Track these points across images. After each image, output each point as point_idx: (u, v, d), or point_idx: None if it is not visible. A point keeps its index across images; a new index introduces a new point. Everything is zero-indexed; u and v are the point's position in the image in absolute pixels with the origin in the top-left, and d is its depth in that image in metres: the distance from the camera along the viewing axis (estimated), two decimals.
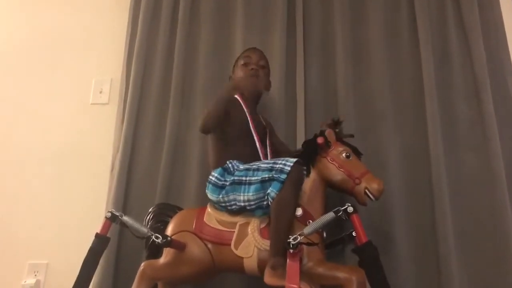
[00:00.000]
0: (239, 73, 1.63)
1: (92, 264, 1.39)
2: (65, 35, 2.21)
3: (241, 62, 1.64)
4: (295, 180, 1.29)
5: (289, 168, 1.29)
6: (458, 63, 1.81)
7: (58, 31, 2.23)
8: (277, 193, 1.28)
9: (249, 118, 1.53)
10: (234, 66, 1.70)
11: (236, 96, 1.58)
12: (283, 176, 1.28)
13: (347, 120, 1.74)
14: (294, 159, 1.32)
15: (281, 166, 1.30)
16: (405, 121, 1.78)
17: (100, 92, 2.08)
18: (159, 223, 1.49)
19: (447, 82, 1.80)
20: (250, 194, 1.33)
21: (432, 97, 1.74)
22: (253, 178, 1.35)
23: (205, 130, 1.46)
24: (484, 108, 1.71)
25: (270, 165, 1.34)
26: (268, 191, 1.29)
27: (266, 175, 1.32)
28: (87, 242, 1.41)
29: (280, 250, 1.23)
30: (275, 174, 1.30)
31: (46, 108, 2.10)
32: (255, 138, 1.51)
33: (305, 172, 1.37)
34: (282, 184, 1.28)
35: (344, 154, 1.41)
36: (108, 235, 1.43)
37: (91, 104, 2.08)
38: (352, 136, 1.50)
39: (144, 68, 1.98)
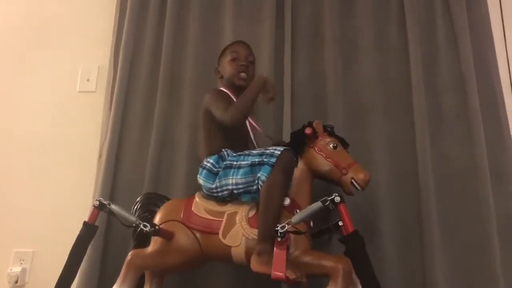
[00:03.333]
0: (227, 68, 1.59)
1: (80, 253, 1.39)
2: (52, 21, 2.18)
3: (229, 57, 1.60)
4: (284, 165, 1.30)
5: (279, 153, 1.30)
6: (445, 57, 1.83)
7: (44, 17, 2.19)
8: (267, 176, 1.28)
9: None
10: (220, 58, 1.66)
11: (225, 90, 1.57)
12: (273, 160, 1.29)
13: (334, 111, 1.76)
14: (284, 147, 1.34)
15: (271, 151, 1.32)
16: (392, 113, 1.80)
17: (88, 80, 2.06)
18: (147, 213, 1.49)
19: (434, 75, 1.82)
20: (239, 177, 1.34)
21: (419, 90, 1.76)
22: (243, 162, 1.36)
23: (234, 123, 1.43)
24: (470, 102, 1.74)
25: (261, 151, 1.36)
26: (259, 174, 1.30)
27: (256, 159, 1.33)
28: (74, 230, 1.40)
29: (267, 236, 1.24)
30: (265, 158, 1.31)
31: (32, 95, 2.07)
32: (250, 129, 1.52)
33: (295, 159, 1.38)
34: (272, 168, 1.28)
35: (331, 145, 1.42)
36: (96, 224, 1.43)
37: (78, 92, 2.06)
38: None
39: (132, 55, 1.96)
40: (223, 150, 1.44)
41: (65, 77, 2.08)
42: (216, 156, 1.44)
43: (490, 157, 1.68)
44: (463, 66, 1.78)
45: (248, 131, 1.53)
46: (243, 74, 1.56)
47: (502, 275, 1.56)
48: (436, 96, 1.80)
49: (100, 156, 1.85)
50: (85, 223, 1.41)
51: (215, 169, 1.41)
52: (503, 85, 1.82)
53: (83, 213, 1.54)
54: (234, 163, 1.38)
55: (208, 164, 1.42)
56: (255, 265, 1.22)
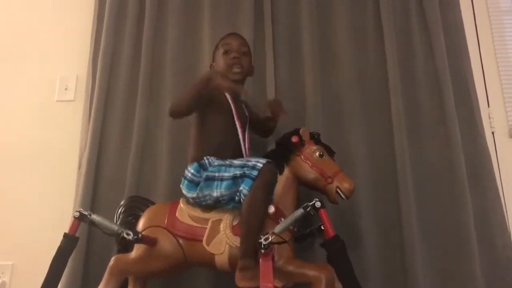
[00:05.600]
0: (220, 61, 1.55)
1: (60, 265, 1.36)
2: (29, 30, 2.15)
3: (221, 50, 1.56)
4: (266, 180, 1.29)
5: (261, 165, 1.29)
6: (421, 61, 1.87)
7: (22, 26, 2.16)
8: (249, 190, 1.28)
9: (233, 109, 1.49)
10: (214, 53, 1.64)
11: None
12: (255, 173, 1.28)
13: (314, 116, 1.78)
14: (267, 159, 1.33)
15: (253, 163, 1.31)
16: (371, 117, 1.82)
17: (66, 89, 2.04)
18: (131, 217, 1.47)
19: (410, 78, 1.85)
20: (223, 190, 1.33)
21: (397, 94, 1.79)
22: (226, 174, 1.34)
23: (173, 114, 1.41)
24: (446, 104, 1.77)
25: (243, 162, 1.34)
26: (240, 188, 1.30)
27: (238, 172, 1.32)
28: (55, 242, 1.38)
29: (250, 252, 1.24)
30: (247, 170, 1.30)
31: (10, 105, 2.04)
32: (239, 130, 1.48)
33: (278, 173, 1.37)
34: (253, 181, 1.28)
35: (317, 153, 1.43)
36: (76, 235, 1.41)
37: (57, 101, 2.04)
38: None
39: (111, 63, 1.95)
40: (204, 158, 1.41)
41: (43, 86, 2.06)
42: (196, 165, 1.41)
43: (466, 158, 1.72)
44: (439, 70, 1.82)
45: (239, 140, 1.48)
46: (236, 69, 1.53)
47: (480, 271, 1.59)
48: (413, 98, 1.83)
49: (79, 166, 1.84)
50: (65, 235, 1.38)
51: (196, 179, 1.39)
52: (477, 86, 1.86)
53: (64, 225, 1.52)
54: (216, 174, 1.36)
55: (189, 174, 1.40)
56: (240, 281, 1.23)
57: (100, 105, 1.87)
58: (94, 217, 1.37)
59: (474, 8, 2.04)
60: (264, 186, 1.29)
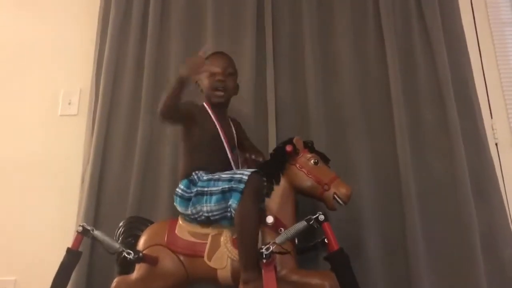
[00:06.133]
0: (205, 82, 1.56)
1: (63, 280, 1.36)
2: (32, 44, 2.17)
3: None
4: (253, 190, 1.30)
5: (246, 177, 1.29)
6: (423, 71, 1.87)
7: (25, 41, 2.18)
8: (238, 204, 1.28)
9: (218, 127, 1.51)
10: None
11: (204, 104, 1.57)
12: (242, 186, 1.29)
13: (317, 127, 1.79)
14: (252, 170, 1.34)
15: (239, 176, 1.31)
16: (374, 127, 1.82)
17: (69, 103, 2.05)
18: (130, 238, 1.47)
19: (413, 89, 1.85)
20: (212, 204, 1.34)
21: (399, 104, 1.79)
22: (214, 189, 1.35)
23: (163, 116, 1.40)
24: (448, 114, 1.77)
25: (230, 175, 1.35)
26: (230, 202, 1.31)
27: (226, 186, 1.33)
28: (57, 256, 1.38)
29: (250, 263, 1.24)
30: (234, 184, 1.31)
31: (13, 119, 2.05)
32: (226, 146, 1.50)
33: (265, 182, 1.38)
34: (241, 195, 1.28)
35: (312, 161, 1.43)
36: (79, 249, 1.40)
37: (60, 115, 2.04)
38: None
39: (114, 78, 1.95)
40: (193, 173, 1.43)
41: (47, 101, 2.07)
42: (186, 181, 1.43)
43: (470, 169, 1.72)
44: (441, 79, 1.82)
45: (226, 152, 1.50)
46: (219, 93, 1.54)
47: (486, 283, 1.58)
48: (416, 109, 1.83)
49: (83, 180, 1.84)
50: (68, 250, 1.38)
51: (187, 195, 1.40)
52: (480, 98, 1.86)
53: (67, 239, 1.51)
54: (206, 189, 1.37)
55: (180, 191, 1.42)
56: None
57: (103, 119, 1.88)
58: (97, 233, 1.37)
59: (476, 20, 2.05)
60: (252, 195, 1.29)
